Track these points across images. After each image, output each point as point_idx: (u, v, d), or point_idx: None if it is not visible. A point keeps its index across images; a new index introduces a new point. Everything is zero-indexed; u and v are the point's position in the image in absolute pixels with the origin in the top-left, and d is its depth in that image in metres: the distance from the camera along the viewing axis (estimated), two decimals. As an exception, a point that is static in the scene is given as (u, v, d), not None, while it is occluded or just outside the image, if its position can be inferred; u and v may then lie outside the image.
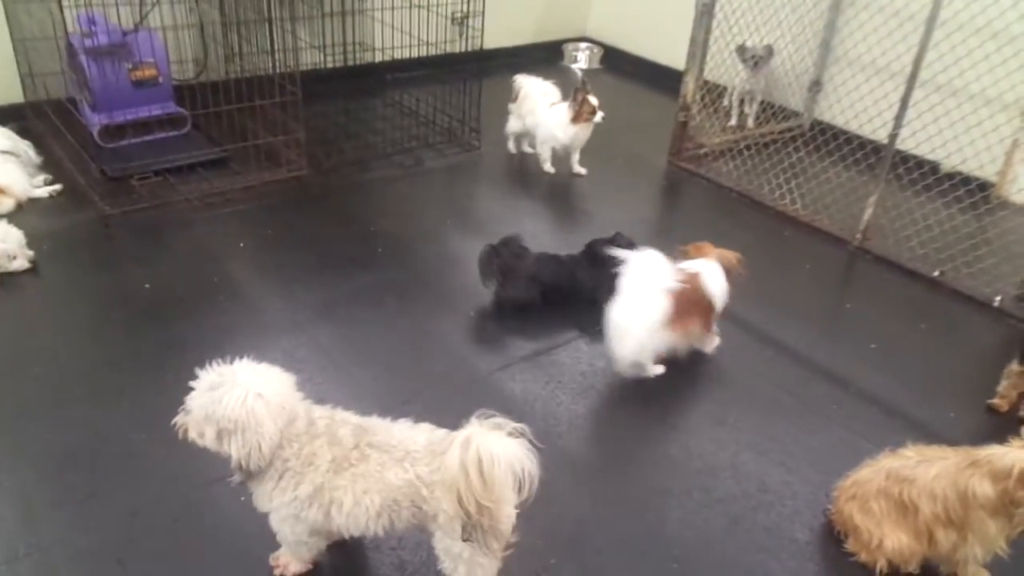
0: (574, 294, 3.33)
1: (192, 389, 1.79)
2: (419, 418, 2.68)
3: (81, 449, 2.49)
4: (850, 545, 2.28)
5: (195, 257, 3.54)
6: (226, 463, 1.83)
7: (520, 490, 1.72)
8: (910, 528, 2.16)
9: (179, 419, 1.81)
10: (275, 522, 1.94)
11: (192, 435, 1.79)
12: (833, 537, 2.35)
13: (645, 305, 2.77)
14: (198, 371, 1.82)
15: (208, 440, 1.77)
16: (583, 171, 4.62)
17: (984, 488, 2.02)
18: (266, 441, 1.74)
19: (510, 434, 1.70)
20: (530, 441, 1.70)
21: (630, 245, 3.35)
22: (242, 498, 2.13)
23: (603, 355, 3.11)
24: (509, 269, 3.23)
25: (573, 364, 3.05)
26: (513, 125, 4.72)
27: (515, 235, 3.31)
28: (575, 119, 4.34)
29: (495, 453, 1.64)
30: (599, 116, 4.37)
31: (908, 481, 2.15)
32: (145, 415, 2.59)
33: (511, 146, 4.83)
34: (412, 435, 1.88)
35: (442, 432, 1.88)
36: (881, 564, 2.20)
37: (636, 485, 2.53)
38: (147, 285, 3.29)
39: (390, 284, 3.44)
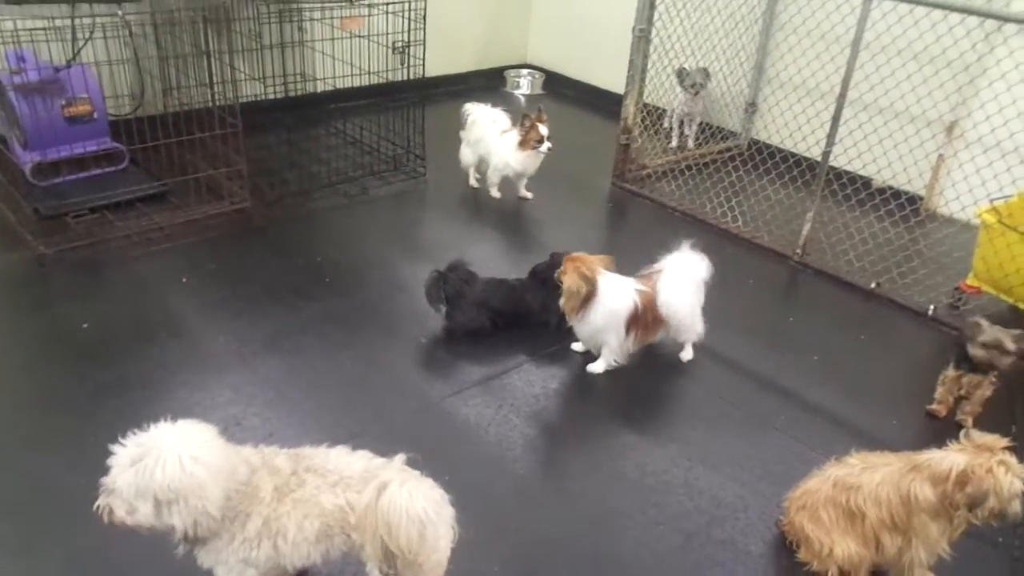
0: (523, 318, 3.34)
1: (110, 466, 1.69)
2: (373, 448, 2.66)
3: (15, 497, 2.39)
4: (802, 555, 2.32)
5: (135, 294, 3.45)
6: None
7: (437, 534, 1.74)
8: (858, 535, 2.21)
9: (101, 501, 1.68)
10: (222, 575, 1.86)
11: (120, 515, 1.67)
12: (786, 548, 2.38)
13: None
14: (126, 435, 1.72)
15: (142, 516, 1.66)
16: (529, 195, 4.66)
17: (925, 492, 2.08)
18: (212, 503, 1.67)
19: (423, 488, 1.71)
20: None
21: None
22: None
23: (555, 377, 3.13)
24: (457, 295, 3.23)
25: (525, 387, 3.05)
26: (466, 155, 4.70)
27: (461, 260, 3.31)
28: (522, 145, 4.37)
29: (405, 510, 1.65)
30: (545, 147, 4.35)
31: (854, 488, 2.20)
32: (83, 460, 2.49)
33: (471, 180, 4.79)
34: (349, 461, 1.86)
35: (380, 461, 1.86)
36: (832, 572, 2.24)
37: (591, 505, 2.54)
38: (85, 324, 3.19)
39: (338, 314, 3.40)
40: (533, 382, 3.08)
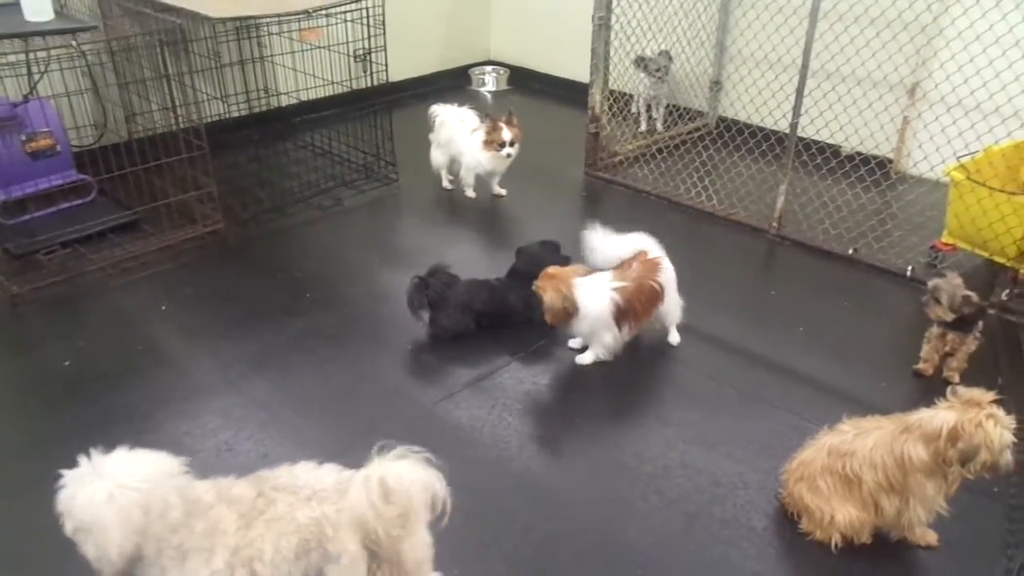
0: (507, 317, 3.34)
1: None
2: (367, 459, 2.65)
3: (3, 546, 2.36)
4: (804, 525, 2.34)
5: (115, 326, 3.41)
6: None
7: (433, 511, 1.74)
8: (857, 500, 2.23)
9: None
10: None
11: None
12: (788, 520, 2.40)
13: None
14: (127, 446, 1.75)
15: (68, 533, 1.68)
16: (503, 192, 4.65)
17: (919, 451, 2.11)
18: (113, 548, 1.65)
19: (413, 460, 1.72)
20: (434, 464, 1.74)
21: (554, 249, 3.39)
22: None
23: (544, 372, 3.13)
24: (440, 299, 3.22)
25: (516, 385, 3.05)
26: (437, 158, 4.68)
27: (442, 264, 3.30)
28: (486, 145, 4.37)
29: (402, 476, 1.66)
30: (506, 152, 4.31)
31: (849, 455, 2.22)
32: (78, 498, 2.47)
33: (444, 182, 4.76)
34: (319, 475, 1.84)
35: (349, 472, 1.83)
36: (836, 539, 2.27)
37: (592, 497, 2.54)
38: (66, 362, 3.15)
39: (322, 328, 3.39)
40: (523, 379, 3.08)
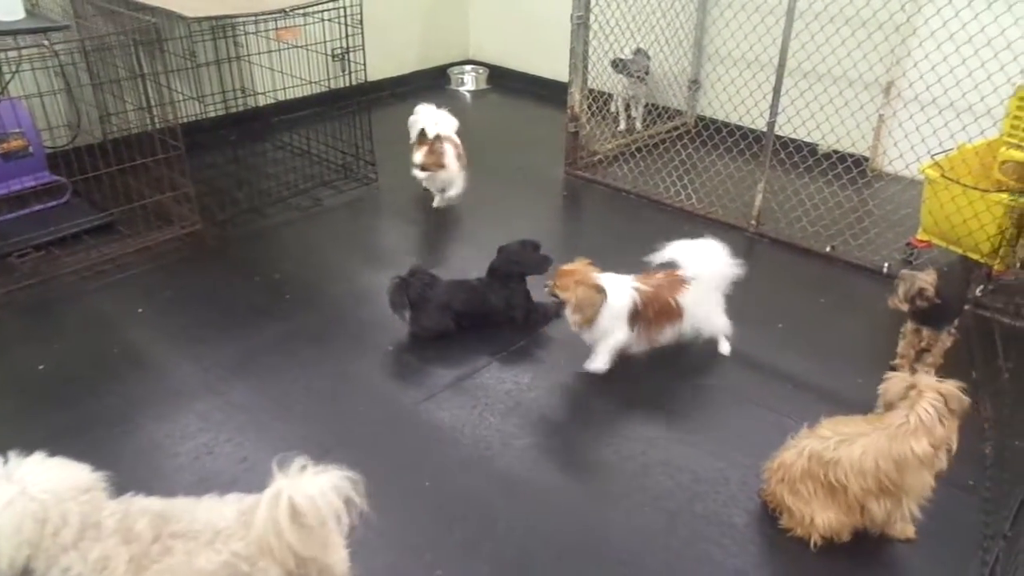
0: (488, 317, 3.34)
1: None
2: (350, 461, 2.64)
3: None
4: (784, 522, 2.36)
5: (91, 330, 3.37)
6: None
7: (344, 524, 1.68)
8: (841, 506, 2.24)
9: None
10: None
11: None
12: (768, 516, 2.42)
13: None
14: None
15: None
16: (438, 204, 4.48)
17: (922, 446, 2.13)
18: (3, 557, 1.57)
19: (319, 473, 1.66)
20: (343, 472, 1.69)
21: (534, 248, 3.38)
22: None
23: (525, 372, 3.13)
24: (421, 299, 3.21)
25: (497, 384, 3.05)
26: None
27: (422, 265, 3.30)
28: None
29: (309, 496, 1.60)
30: (415, 171, 4.18)
31: (832, 463, 2.22)
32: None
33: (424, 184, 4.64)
34: (220, 511, 1.73)
35: (252, 498, 1.73)
36: (815, 538, 2.28)
37: (574, 495, 2.55)
38: (41, 367, 3.10)
39: (302, 330, 3.36)
40: (504, 379, 3.08)
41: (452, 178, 4.34)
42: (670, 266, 3.07)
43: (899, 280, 2.98)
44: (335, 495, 1.63)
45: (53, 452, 2.65)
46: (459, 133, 4.58)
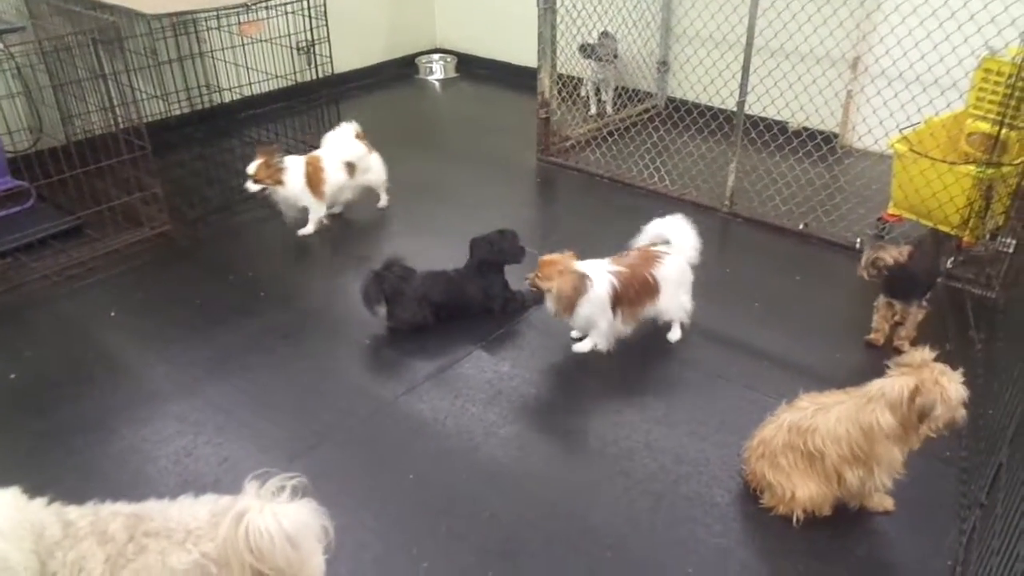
0: (466, 308, 3.32)
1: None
2: (332, 458, 2.63)
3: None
4: (766, 500, 2.38)
5: (63, 336, 3.31)
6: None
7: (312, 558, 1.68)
8: (819, 474, 2.28)
9: None
10: None
11: None
12: (750, 495, 2.44)
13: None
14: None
15: None
16: (307, 231, 4.13)
17: (886, 418, 2.16)
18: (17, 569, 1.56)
19: (284, 503, 1.65)
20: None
21: (513, 237, 3.37)
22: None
23: (505, 360, 3.13)
24: (397, 292, 3.19)
25: (477, 374, 3.04)
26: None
27: (397, 257, 3.27)
28: None
29: (267, 530, 1.59)
30: (249, 184, 3.88)
31: (810, 431, 2.26)
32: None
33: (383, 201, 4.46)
34: (193, 512, 1.72)
35: (227, 500, 1.73)
36: (798, 514, 2.31)
37: (559, 482, 2.55)
38: (12, 375, 3.04)
39: (278, 327, 3.33)
40: (484, 368, 3.07)
41: (293, 197, 3.98)
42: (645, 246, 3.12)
43: (870, 252, 3.03)
44: (302, 531, 1.63)
45: (30, 462, 2.62)
46: (425, 123, 4.52)
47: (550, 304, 2.97)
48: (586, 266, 2.98)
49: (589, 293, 2.93)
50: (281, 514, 1.61)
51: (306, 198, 4.02)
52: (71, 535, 1.65)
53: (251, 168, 3.89)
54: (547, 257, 2.97)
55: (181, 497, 1.78)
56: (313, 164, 4.01)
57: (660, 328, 3.28)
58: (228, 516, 1.59)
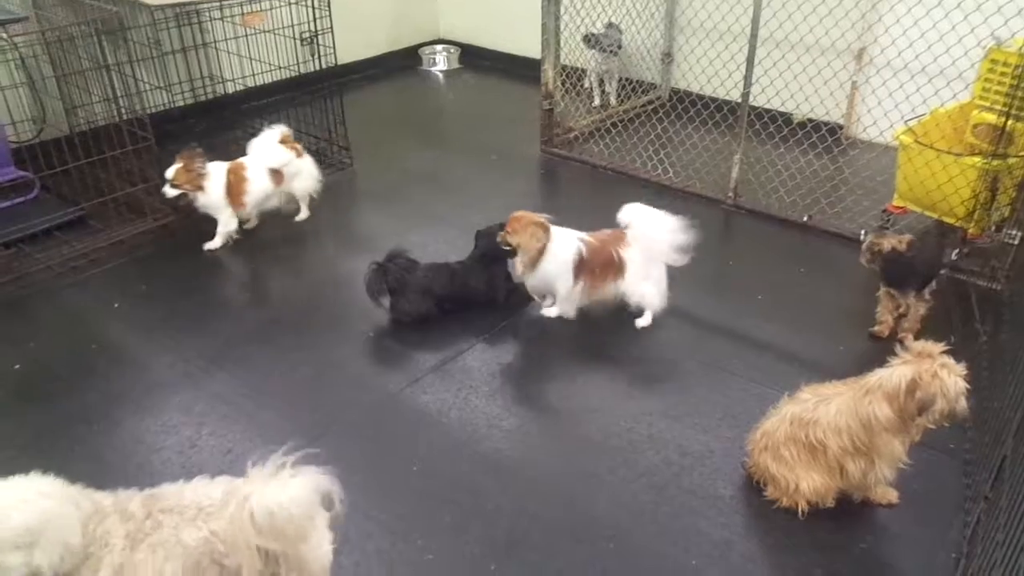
0: (470, 300, 3.32)
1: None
2: (336, 448, 2.64)
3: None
4: (770, 493, 2.38)
5: (67, 327, 3.32)
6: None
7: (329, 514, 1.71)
8: (821, 466, 2.27)
9: None
10: None
11: None
12: (753, 487, 2.44)
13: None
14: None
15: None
16: (213, 246, 3.89)
17: (883, 410, 2.15)
18: (72, 534, 1.62)
19: (290, 475, 1.67)
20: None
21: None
22: None
23: (508, 352, 3.13)
24: (400, 284, 3.19)
25: (481, 366, 3.04)
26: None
27: (401, 249, 3.27)
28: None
29: (269, 510, 1.61)
30: (167, 189, 3.69)
31: (812, 423, 2.26)
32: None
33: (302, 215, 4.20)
34: (207, 491, 1.78)
35: (240, 482, 1.75)
36: (802, 505, 2.31)
37: (562, 474, 2.56)
38: (16, 366, 3.05)
39: (281, 318, 3.34)
40: (488, 360, 3.07)
41: (212, 205, 3.79)
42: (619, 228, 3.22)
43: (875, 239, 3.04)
44: (305, 502, 1.65)
45: (36, 452, 2.63)
46: (429, 115, 4.51)
47: (518, 263, 3.14)
48: (558, 231, 3.13)
49: (551, 247, 3.08)
50: (280, 489, 1.63)
51: (221, 209, 3.80)
52: (99, 511, 1.71)
53: (170, 172, 3.67)
54: (518, 213, 3.12)
55: (197, 478, 1.83)
56: (235, 172, 3.80)
57: (661, 323, 3.28)
58: (233, 499, 1.62)
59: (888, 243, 2.98)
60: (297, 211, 4.15)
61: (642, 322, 3.26)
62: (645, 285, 3.19)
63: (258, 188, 3.85)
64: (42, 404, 2.86)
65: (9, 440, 2.72)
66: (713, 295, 3.47)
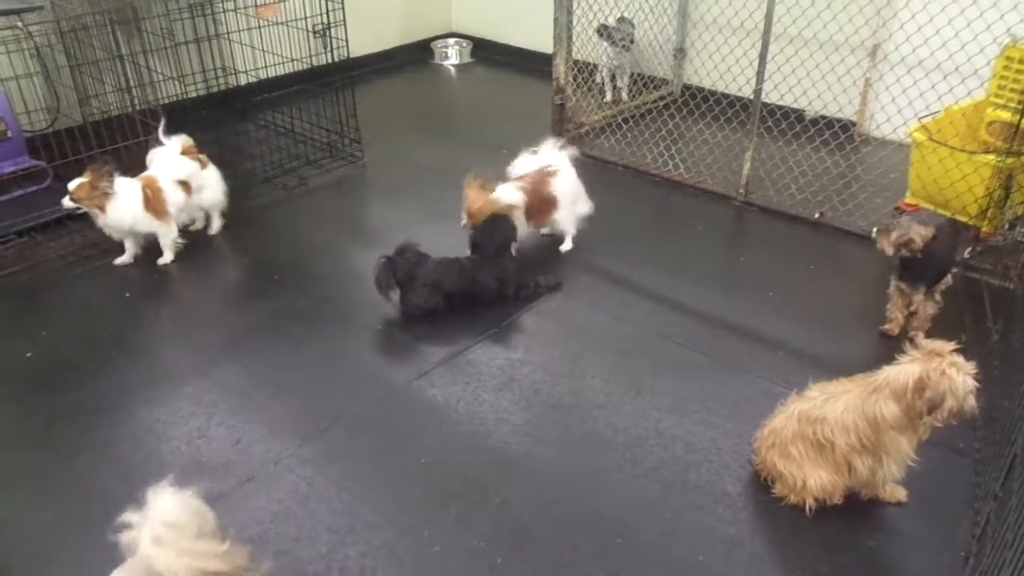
0: (479, 295, 3.32)
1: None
2: (344, 440, 2.65)
3: (-17, 541, 2.31)
4: (777, 490, 2.38)
5: (78, 316, 3.34)
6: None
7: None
8: (829, 464, 2.27)
9: None
10: None
11: None
12: (761, 484, 2.44)
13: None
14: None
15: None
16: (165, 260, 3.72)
17: (890, 408, 2.14)
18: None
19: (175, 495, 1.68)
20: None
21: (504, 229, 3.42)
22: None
23: (517, 347, 3.13)
24: (409, 278, 3.20)
25: (489, 360, 3.04)
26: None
27: (410, 242, 3.27)
28: None
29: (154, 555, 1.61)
30: (66, 201, 3.45)
31: (819, 420, 2.25)
32: (49, 492, 2.44)
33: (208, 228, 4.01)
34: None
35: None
36: (810, 503, 2.31)
37: (569, 469, 2.56)
38: (28, 354, 3.08)
39: (292, 310, 3.35)
40: (496, 355, 3.07)
41: (129, 224, 3.54)
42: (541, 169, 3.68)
43: (893, 224, 2.98)
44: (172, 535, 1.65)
45: (46, 441, 2.65)
46: (440, 109, 4.52)
47: (466, 218, 3.50)
48: (500, 188, 3.53)
49: (499, 200, 3.47)
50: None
51: (150, 224, 3.59)
52: None
53: (72, 185, 3.43)
54: (476, 181, 3.53)
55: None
56: (151, 185, 3.57)
57: (674, 318, 3.27)
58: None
59: (920, 238, 2.92)
60: (208, 226, 3.98)
61: (566, 247, 3.76)
62: (576, 209, 3.73)
63: (173, 200, 3.64)
64: (53, 393, 2.88)
65: (19, 428, 2.75)
66: (723, 291, 3.46)
